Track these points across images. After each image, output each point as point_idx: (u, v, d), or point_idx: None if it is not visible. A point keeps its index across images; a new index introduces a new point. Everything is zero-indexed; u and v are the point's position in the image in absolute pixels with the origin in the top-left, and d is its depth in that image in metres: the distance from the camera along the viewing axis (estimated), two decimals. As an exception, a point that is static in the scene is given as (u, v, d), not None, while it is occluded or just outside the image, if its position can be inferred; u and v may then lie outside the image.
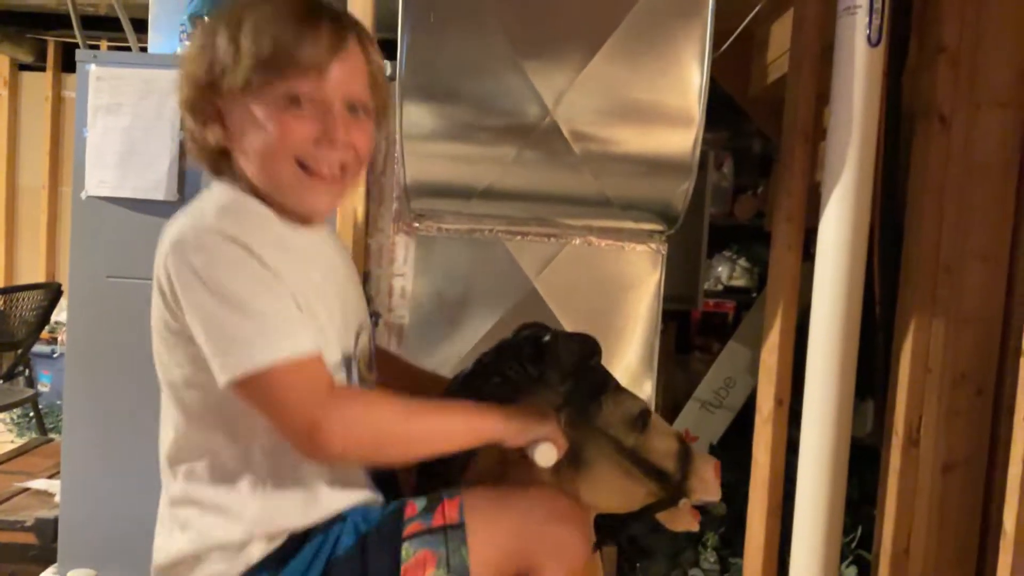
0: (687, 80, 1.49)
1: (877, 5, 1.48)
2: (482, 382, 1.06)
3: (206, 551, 0.92)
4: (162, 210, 1.75)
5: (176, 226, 0.90)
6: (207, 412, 0.92)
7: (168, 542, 0.95)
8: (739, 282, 3.42)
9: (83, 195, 1.76)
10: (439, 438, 0.94)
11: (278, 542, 0.92)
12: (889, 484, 1.72)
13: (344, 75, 0.93)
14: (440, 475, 1.03)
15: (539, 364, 1.05)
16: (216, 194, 0.95)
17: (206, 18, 0.97)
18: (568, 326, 1.75)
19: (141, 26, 2.08)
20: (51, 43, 4.42)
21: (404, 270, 1.86)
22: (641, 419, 1.05)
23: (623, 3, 1.47)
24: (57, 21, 4.14)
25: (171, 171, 1.72)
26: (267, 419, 0.87)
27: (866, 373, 1.72)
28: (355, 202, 1.74)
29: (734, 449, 2.23)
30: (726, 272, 3.44)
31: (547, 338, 1.07)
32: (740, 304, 3.34)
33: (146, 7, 2.17)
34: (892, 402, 1.72)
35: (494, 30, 1.49)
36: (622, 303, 1.76)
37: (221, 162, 0.96)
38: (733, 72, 2.44)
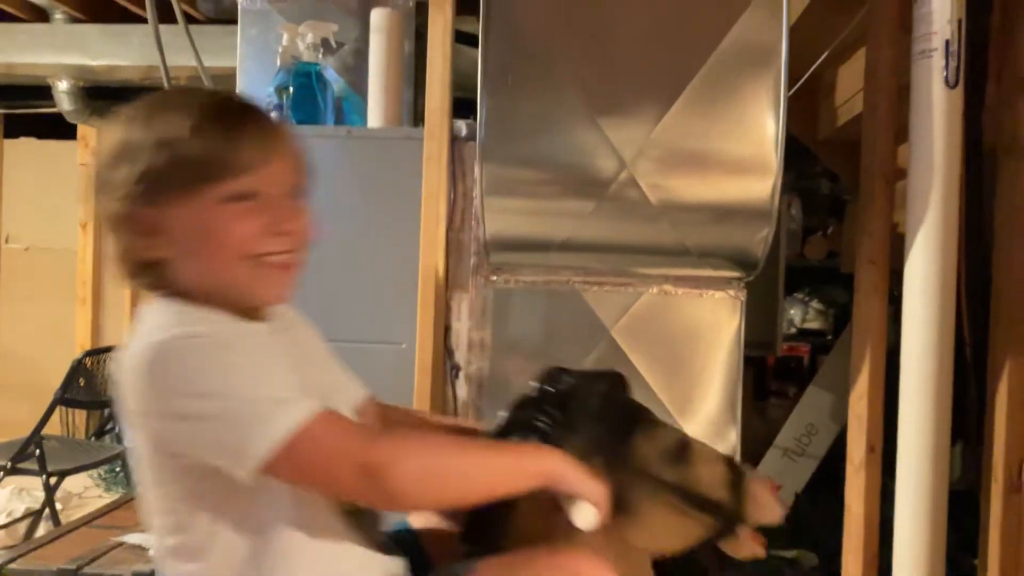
0: (763, 129, 1.51)
1: (953, 48, 1.48)
2: (506, 438, 1.01)
3: None
4: (252, 272, 1.82)
5: (131, 353, 0.87)
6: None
7: None
8: (813, 324, 3.38)
9: (177, 260, 1.84)
10: (497, 472, 0.90)
11: None
12: (991, 532, 1.66)
13: (287, 164, 0.93)
14: (483, 535, 0.99)
15: (563, 410, 1.00)
16: (158, 311, 0.92)
17: (126, 118, 0.92)
18: (648, 375, 1.75)
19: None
20: (135, 114, 4.67)
21: (483, 322, 1.89)
22: (680, 450, 1.00)
23: (696, 57, 1.51)
24: (140, 94, 4.37)
25: (261, 234, 1.80)
26: (315, 486, 0.87)
27: (954, 417, 1.67)
28: (435, 258, 1.78)
29: (821, 498, 2.17)
30: (799, 315, 3.39)
31: (567, 381, 1.02)
32: (815, 347, 3.29)
33: (224, 78, 2.30)
34: (989, 446, 1.67)
35: (569, 88, 1.54)
36: (702, 351, 1.75)
37: (151, 274, 0.92)
38: (801, 115, 2.44)
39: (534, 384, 1.05)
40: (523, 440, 0.98)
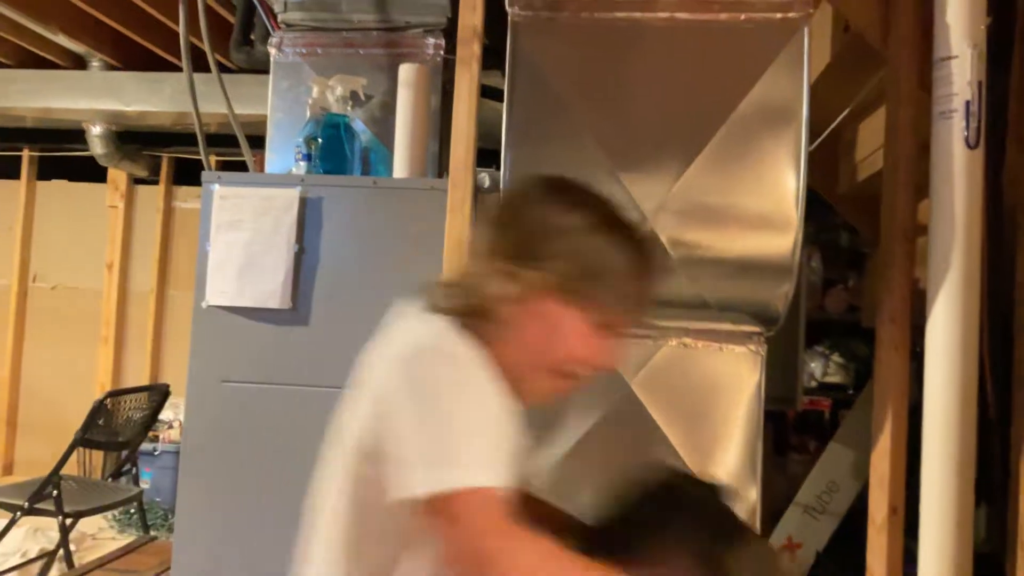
0: (783, 185, 1.53)
1: (973, 108, 1.49)
2: (610, 529, 1.03)
3: None
4: (276, 317, 1.85)
5: (404, 344, 0.90)
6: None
7: None
8: (834, 378, 3.34)
9: (204, 304, 1.88)
10: None
11: None
12: (1018, 599, 1.62)
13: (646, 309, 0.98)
14: None
15: (668, 509, 1.03)
16: (447, 335, 0.91)
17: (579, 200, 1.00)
18: (667, 429, 1.74)
19: (250, 142, 2.27)
20: (164, 159, 4.78)
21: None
22: (768, 567, 1.03)
23: (718, 114, 1.53)
24: (170, 139, 4.50)
25: (286, 281, 1.83)
26: (442, 542, 0.86)
27: (978, 478, 1.65)
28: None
29: (843, 558, 2.13)
30: (820, 368, 3.36)
31: (672, 480, 1.07)
32: (836, 401, 3.25)
33: (253, 124, 2.36)
34: (1015, 508, 1.64)
35: (592, 143, 1.57)
36: (721, 405, 1.74)
37: (477, 318, 0.92)
38: (821, 170, 2.46)
39: (637, 475, 1.07)
40: (623, 538, 1.00)
